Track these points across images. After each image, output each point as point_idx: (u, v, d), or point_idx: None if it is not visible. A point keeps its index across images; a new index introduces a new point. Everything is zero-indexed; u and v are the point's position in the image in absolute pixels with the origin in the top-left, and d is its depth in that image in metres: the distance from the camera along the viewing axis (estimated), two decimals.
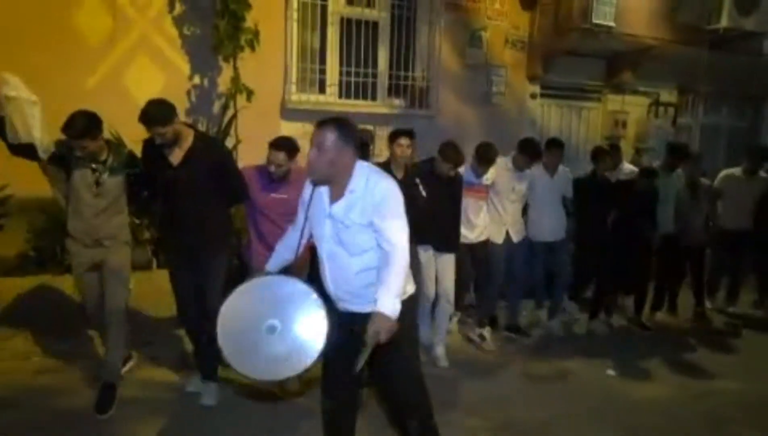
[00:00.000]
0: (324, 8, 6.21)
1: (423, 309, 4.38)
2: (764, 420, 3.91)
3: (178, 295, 3.59)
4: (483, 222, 4.76)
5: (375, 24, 6.52)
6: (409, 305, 2.49)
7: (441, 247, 4.41)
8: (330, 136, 2.34)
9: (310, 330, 2.31)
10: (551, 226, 5.17)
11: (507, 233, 4.92)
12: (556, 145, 5.20)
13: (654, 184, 5.34)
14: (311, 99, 6.21)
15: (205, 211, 3.39)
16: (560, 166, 5.22)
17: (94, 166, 3.34)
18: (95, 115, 3.29)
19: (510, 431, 3.56)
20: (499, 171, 4.81)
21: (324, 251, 2.50)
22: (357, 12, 6.40)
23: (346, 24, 6.35)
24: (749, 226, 5.95)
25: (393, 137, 4.28)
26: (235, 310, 2.41)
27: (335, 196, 2.42)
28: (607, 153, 5.41)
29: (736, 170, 6.06)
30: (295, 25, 6.01)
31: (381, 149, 6.32)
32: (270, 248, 3.49)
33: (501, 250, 4.89)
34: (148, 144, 3.37)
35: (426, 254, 4.38)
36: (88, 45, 5.24)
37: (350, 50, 6.38)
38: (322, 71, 6.32)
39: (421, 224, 4.14)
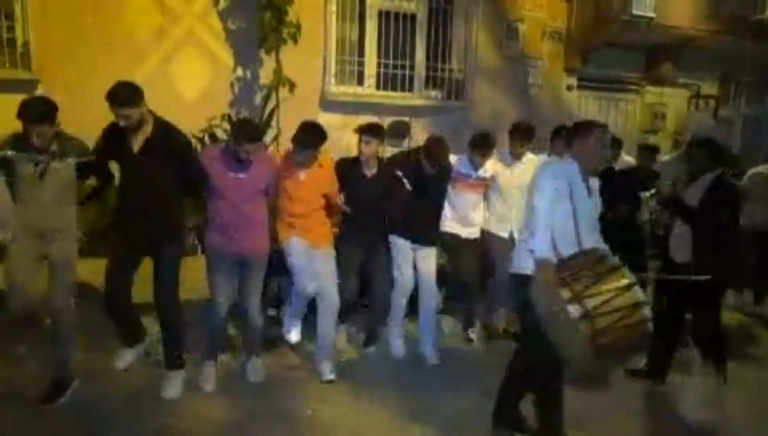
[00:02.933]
0: (363, 1, 6.32)
1: (398, 304, 4.30)
2: None
3: (112, 279, 3.49)
4: (479, 219, 4.56)
5: (413, 17, 6.58)
6: None
7: (419, 240, 4.29)
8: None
9: None
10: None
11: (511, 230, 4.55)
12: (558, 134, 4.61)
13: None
14: (350, 91, 6.32)
15: (162, 198, 3.39)
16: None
17: (40, 157, 3.18)
18: (50, 100, 3.21)
19: None
20: (497, 166, 4.57)
21: (584, 227, 3.00)
22: (395, 5, 6.48)
23: (384, 17, 6.44)
24: None
25: (360, 133, 4.08)
26: None
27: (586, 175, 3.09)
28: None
29: (764, 168, 5.85)
30: (334, 18, 6.13)
31: (418, 140, 6.41)
32: (225, 233, 3.58)
33: (507, 245, 4.43)
34: (110, 129, 3.34)
35: (404, 245, 4.26)
36: (138, 39, 5.45)
37: (388, 43, 6.47)
38: (361, 63, 6.43)
39: (403, 217, 4.20)
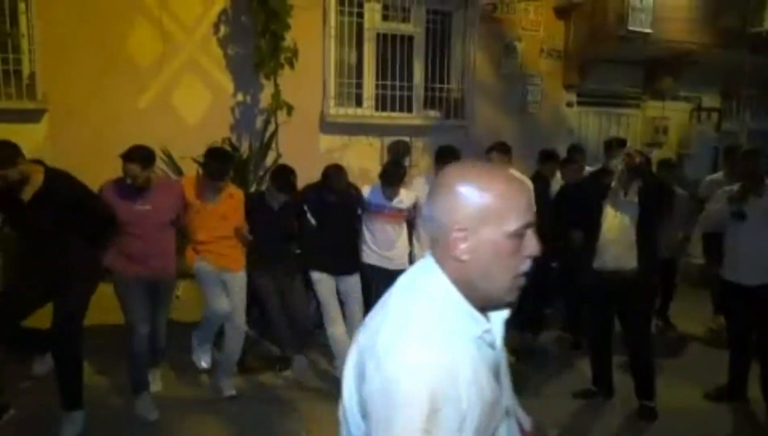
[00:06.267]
0: (360, 25, 6.42)
1: (331, 334, 4.23)
2: None
3: (10, 305, 3.41)
4: (401, 249, 4.46)
5: (410, 38, 6.68)
6: None
7: (337, 270, 4.26)
8: None
9: None
10: None
11: None
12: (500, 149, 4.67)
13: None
14: (349, 112, 6.41)
15: (63, 243, 3.36)
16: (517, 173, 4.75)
17: None
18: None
19: None
20: (423, 191, 4.35)
21: None
22: (392, 27, 6.59)
23: (382, 39, 6.54)
24: None
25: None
26: None
27: None
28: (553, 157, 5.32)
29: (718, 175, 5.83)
30: (332, 41, 6.24)
31: (417, 160, 6.48)
32: (134, 261, 3.56)
33: None
34: None
35: (326, 280, 4.24)
36: (140, 67, 5.59)
37: (386, 64, 6.56)
38: (359, 85, 6.52)
39: (317, 251, 4.23)
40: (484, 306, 1.14)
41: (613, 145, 6.04)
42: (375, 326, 1.11)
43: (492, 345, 1.14)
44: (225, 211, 3.93)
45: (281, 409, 3.88)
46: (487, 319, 1.14)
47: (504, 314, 1.18)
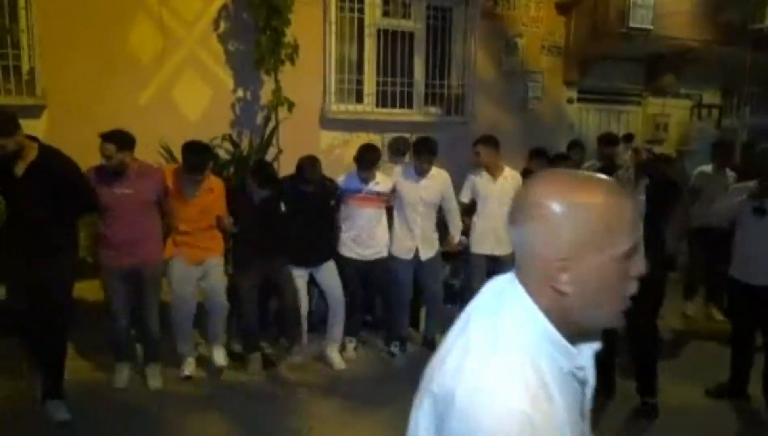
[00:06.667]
0: (361, 21, 6.40)
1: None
2: None
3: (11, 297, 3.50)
4: (379, 237, 4.47)
5: (411, 35, 6.66)
6: None
7: (311, 262, 4.34)
8: None
9: None
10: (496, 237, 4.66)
11: (417, 249, 4.51)
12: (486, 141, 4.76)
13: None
14: (349, 109, 6.39)
15: (48, 221, 3.41)
16: (506, 168, 4.76)
17: None
18: None
19: None
20: (399, 179, 4.51)
21: None
22: (393, 23, 6.56)
23: (383, 35, 6.52)
24: None
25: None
26: None
27: None
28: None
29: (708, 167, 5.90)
30: (333, 38, 6.21)
31: None
32: (116, 248, 3.65)
33: (407, 268, 4.51)
34: None
35: (301, 275, 4.34)
36: (140, 63, 5.56)
37: (387, 61, 6.54)
38: (360, 82, 6.50)
39: (290, 243, 4.23)
40: (578, 337, 1.00)
41: (605, 141, 6.07)
42: (454, 363, 0.96)
43: (583, 382, 1.02)
44: (204, 205, 3.98)
45: (283, 406, 3.88)
46: (578, 351, 1.00)
47: (595, 345, 1.03)
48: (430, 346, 4.64)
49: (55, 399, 3.51)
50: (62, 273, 3.48)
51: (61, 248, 3.48)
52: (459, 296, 5.25)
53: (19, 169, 3.31)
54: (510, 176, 4.70)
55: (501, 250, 4.64)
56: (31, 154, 3.33)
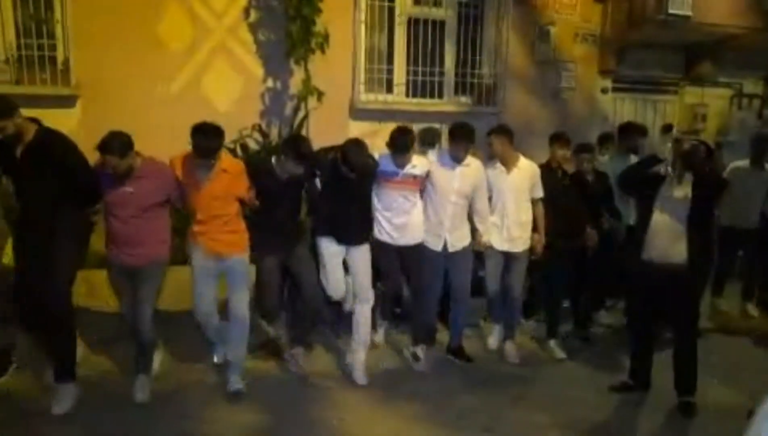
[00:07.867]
0: (391, 9, 6.33)
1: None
2: None
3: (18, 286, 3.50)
4: (415, 222, 4.24)
5: (442, 23, 6.57)
6: None
7: (344, 240, 4.08)
8: None
9: None
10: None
11: (446, 240, 4.29)
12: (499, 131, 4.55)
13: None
14: (379, 99, 6.34)
15: (50, 209, 3.36)
16: (522, 158, 4.53)
17: None
18: None
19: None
20: (433, 166, 4.27)
21: None
22: (424, 12, 6.47)
23: (413, 24, 6.43)
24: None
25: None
26: None
27: None
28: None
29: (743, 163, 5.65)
30: (363, 26, 6.16)
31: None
32: (117, 247, 3.55)
33: (438, 258, 4.29)
34: None
35: (330, 247, 4.06)
36: (171, 53, 5.59)
37: (417, 50, 6.46)
38: (390, 71, 6.44)
39: (326, 217, 4.05)
40: None
41: (626, 130, 5.72)
42: None
43: None
44: (220, 189, 3.67)
45: (313, 395, 3.86)
46: None
47: None
48: (455, 354, 4.51)
49: (62, 383, 3.49)
50: (56, 257, 3.37)
51: (55, 232, 3.38)
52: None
53: (18, 151, 3.31)
54: (524, 167, 4.54)
55: (513, 246, 4.49)
56: (29, 136, 3.31)
